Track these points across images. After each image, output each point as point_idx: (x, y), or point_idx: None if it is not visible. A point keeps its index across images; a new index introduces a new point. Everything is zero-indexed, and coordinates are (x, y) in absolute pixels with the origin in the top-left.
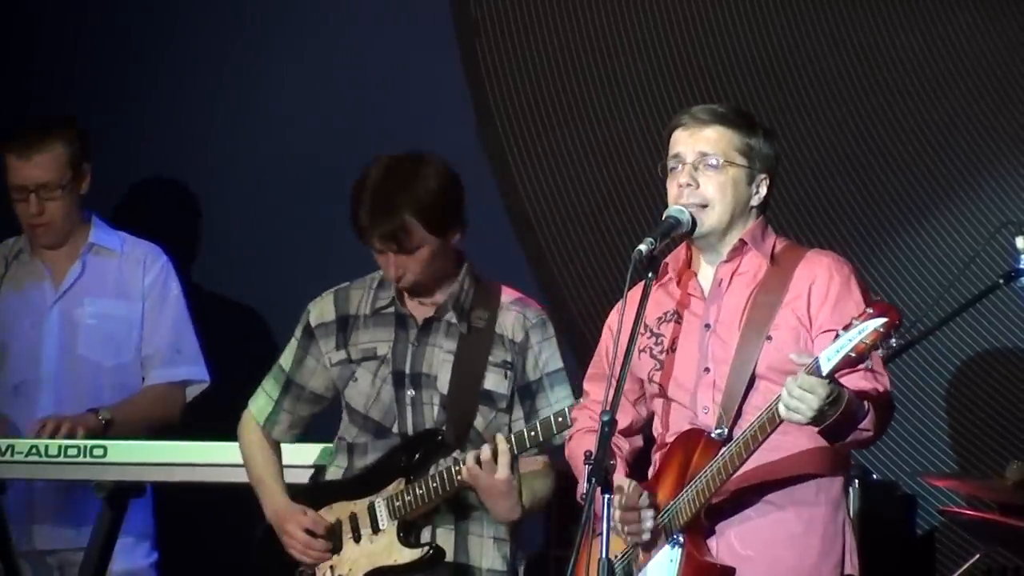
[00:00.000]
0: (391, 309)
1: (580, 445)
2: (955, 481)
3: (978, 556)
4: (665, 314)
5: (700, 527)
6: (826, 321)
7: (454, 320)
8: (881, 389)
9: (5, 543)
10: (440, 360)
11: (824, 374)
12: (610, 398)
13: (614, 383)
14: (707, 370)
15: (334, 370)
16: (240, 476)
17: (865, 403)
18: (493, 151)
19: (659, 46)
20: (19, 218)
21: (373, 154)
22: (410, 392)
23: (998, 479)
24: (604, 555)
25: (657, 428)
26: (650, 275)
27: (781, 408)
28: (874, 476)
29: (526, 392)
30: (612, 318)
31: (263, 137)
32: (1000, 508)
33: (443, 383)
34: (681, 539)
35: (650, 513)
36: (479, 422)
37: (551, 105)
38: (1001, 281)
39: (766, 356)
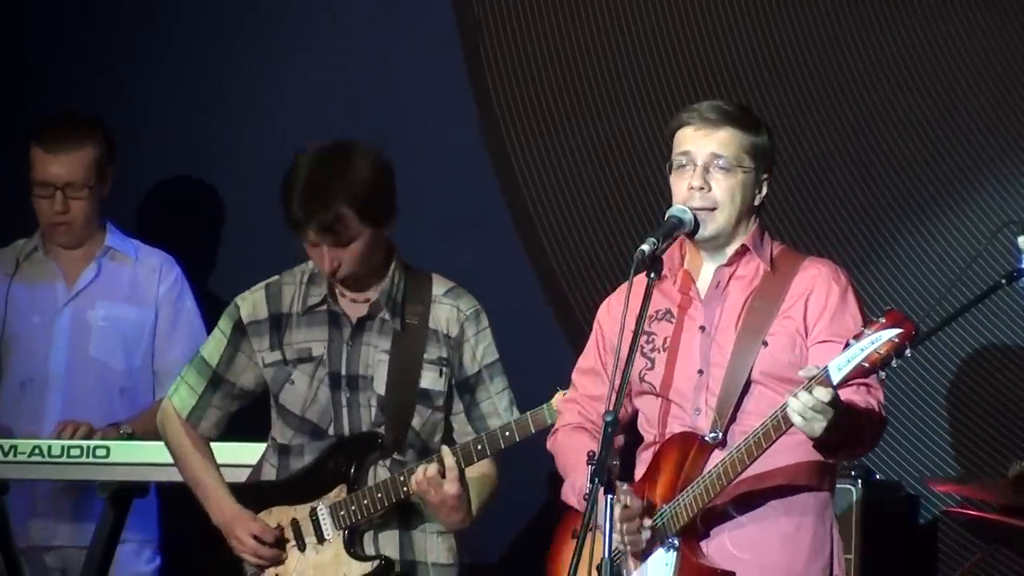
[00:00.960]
0: (323, 307)
1: (569, 442)
2: (957, 487)
3: (980, 556)
4: (657, 312)
5: (695, 530)
6: (822, 332)
7: (387, 317)
8: (875, 404)
9: (6, 541)
10: (376, 360)
11: (835, 383)
12: (613, 398)
13: (616, 384)
14: (701, 372)
15: (268, 371)
16: (233, 477)
17: (863, 419)
18: (495, 149)
19: (662, 43)
20: (39, 215)
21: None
22: (345, 394)
23: (1001, 479)
24: (606, 555)
25: (644, 427)
26: (652, 275)
27: (793, 417)
28: (876, 476)
29: (464, 386)
30: (602, 312)
31: (265, 137)
32: (1002, 509)
33: (379, 384)
34: (676, 542)
35: (648, 522)
36: (416, 421)
37: (553, 103)
38: (1003, 281)
39: (761, 361)
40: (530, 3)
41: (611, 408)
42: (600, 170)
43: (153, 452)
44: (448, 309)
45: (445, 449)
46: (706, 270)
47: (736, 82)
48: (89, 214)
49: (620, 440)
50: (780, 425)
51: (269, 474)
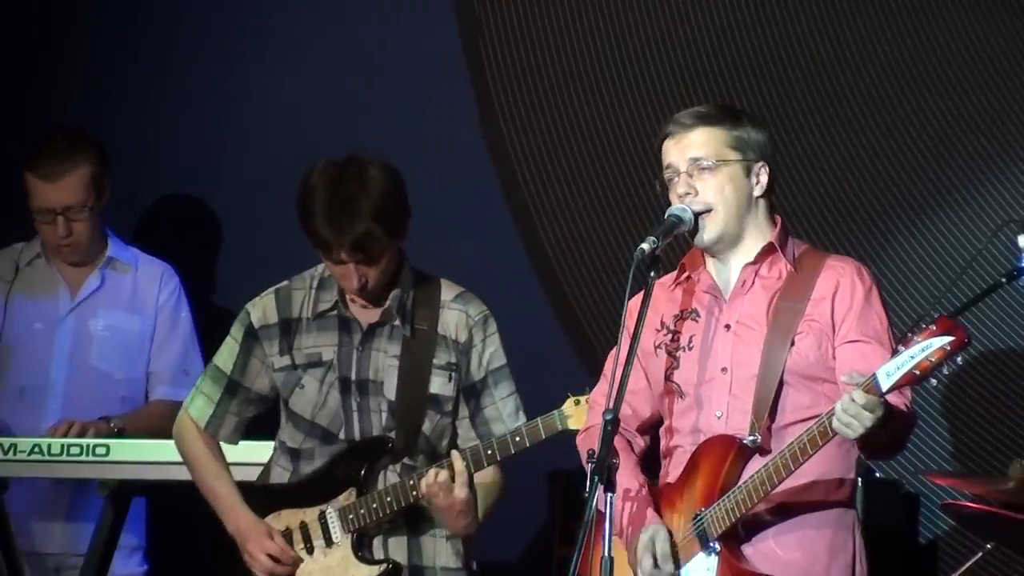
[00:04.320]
0: (334, 313)
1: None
2: (957, 479)
3: (980, 555)
4: (683, 312)
5: (736, 535)
6: (849, 332)
7: (398, 323)
8: (909, 405)
9: (7, 541)
10: (386, 365)
11: (884, 390)
12: (612, 398)
13: (616, 383)
14: (724, 370)
15: (278, 375)
16: (243, 475)
17: (905, 420)
18: (495, 148)
19: (662, 43)
20: (44, 239)
21: (376, 152)
22: (356, 399)
23: (1000, 478)
24: (607, 553)
25: (668, 429)
26: (652, 274)
27: (834, 422)
28: (877, 474)
29: (471, 391)
30: (630, 308)
31: (266, 137)
32: (1001, 507)
33: (390, 389)
34: (717, 547)
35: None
36: (426, 426)
37: (553, 102)
38: (1003, 280)
39: (791, 362)
40: (530, 3)
41: (611, 407)
42: (600, 170)
43: (153, 451)
44: (457, 315)
45: (455, 453)
46: (731, 269)
47: (736, 82)
48: (92, 230)
49: (645, 440)
50: (827, 432)
51: (281, 477)
